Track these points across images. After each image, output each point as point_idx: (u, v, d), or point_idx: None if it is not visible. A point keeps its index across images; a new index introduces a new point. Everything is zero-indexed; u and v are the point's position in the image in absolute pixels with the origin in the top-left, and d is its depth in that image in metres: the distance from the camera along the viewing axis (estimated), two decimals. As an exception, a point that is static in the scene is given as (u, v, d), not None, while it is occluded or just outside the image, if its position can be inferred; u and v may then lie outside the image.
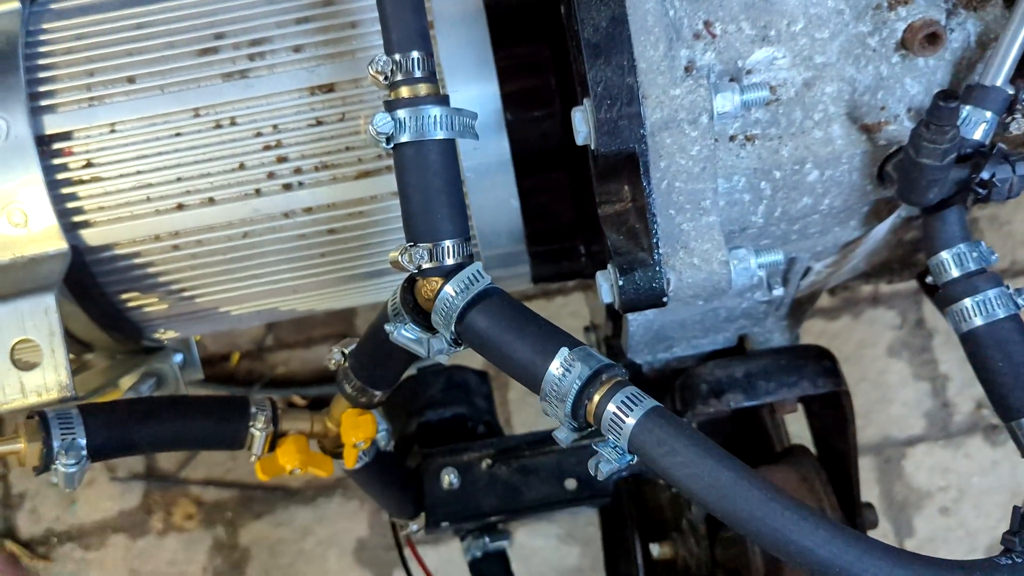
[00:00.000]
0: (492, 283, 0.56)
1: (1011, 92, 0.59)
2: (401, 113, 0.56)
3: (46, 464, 0.60)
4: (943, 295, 0.62)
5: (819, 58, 0.59)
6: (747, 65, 0.59)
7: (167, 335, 0.80)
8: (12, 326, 0.64)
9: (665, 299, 0.59)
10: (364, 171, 0.68)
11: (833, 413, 0.77)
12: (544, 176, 0.73)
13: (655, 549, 0.83)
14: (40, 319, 0.64)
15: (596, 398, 0.50)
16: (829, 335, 1.43)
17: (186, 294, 0.73)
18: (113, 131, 0.67)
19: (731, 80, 0.59)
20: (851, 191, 0.63)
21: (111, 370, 0.79)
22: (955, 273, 0.61)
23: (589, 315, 0.96)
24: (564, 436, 0.53)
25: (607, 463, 0.50)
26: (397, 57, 0.56)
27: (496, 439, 0.85)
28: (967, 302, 0.61)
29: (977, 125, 0.59)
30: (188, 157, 0.67)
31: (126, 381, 0.80)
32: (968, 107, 0.59)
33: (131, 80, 0.67)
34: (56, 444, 0.60)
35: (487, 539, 0.89)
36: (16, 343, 0.64)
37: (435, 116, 0.56)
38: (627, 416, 0.49)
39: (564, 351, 0.51)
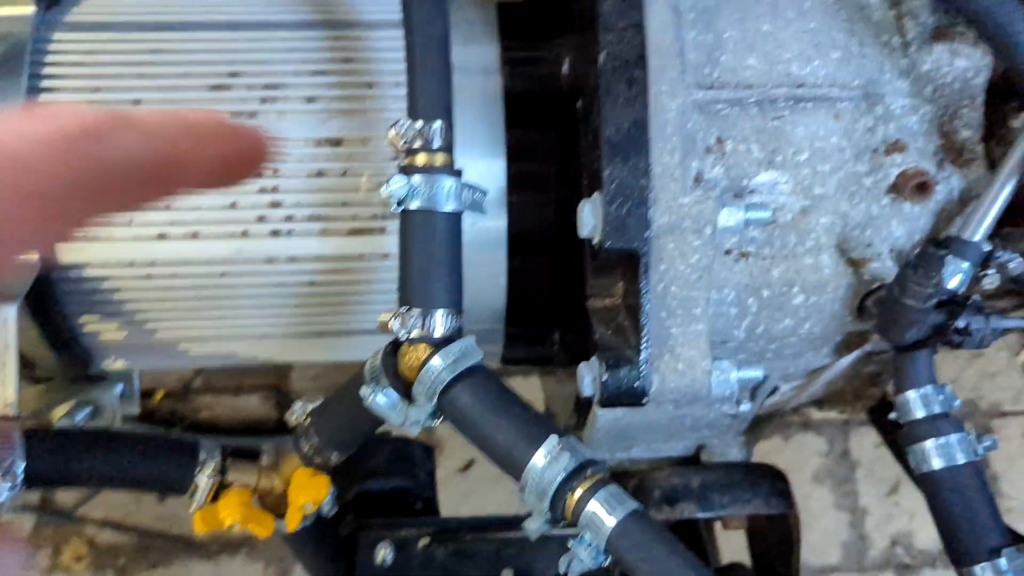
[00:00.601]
0: (480, 361, 0.55)
1: (988, 248, 0.63)
2: (416, 179, 0.56)
3: (-23, 486, 0.56)
4: (907, 433, 0.64)
5: (818, 189, 0.62)
6: (751, 185, 0.61)
7: (115, 365, 0.77)
8: (-37, 334, 0.60)
9: (646, 399, 0.59)
10: (357, 228, 0.68)
11: (779, 536, 0.78)
12: (528, 259, 0.73)
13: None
14: (-6, 330, 0.61)
15: (578, 492, 0.49)
16: (760, 454, 1.44)
17: (148, 326, 0.70)
18: (106, 149, 0.65)
19: (735, 196, 0.61)
20: (831, 319, 0.65)
21: (49, 393, 0.75)
22: (920, 414, 0.63)
23: (544, 402, 0.95)
24: (535, 527, 0.52)
25: (579, 563, 0.49)
26: (420, 124, 0.56)
27: (437, 519, 0.83)
28: (929, 444, 0.62)
29: (954, 274, 0.62)
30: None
31: (61, 408, 0.76)
32: (948, 257, 0.62)
33: (136, 103, 0.65)
34: (-8, 467, 0.56)
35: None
36: (-36, 351, 0.60)
37: (448, 188, 0.56)
38: (608, 515, 0.48)
39: (553, 439, 0.50)
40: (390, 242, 0.68)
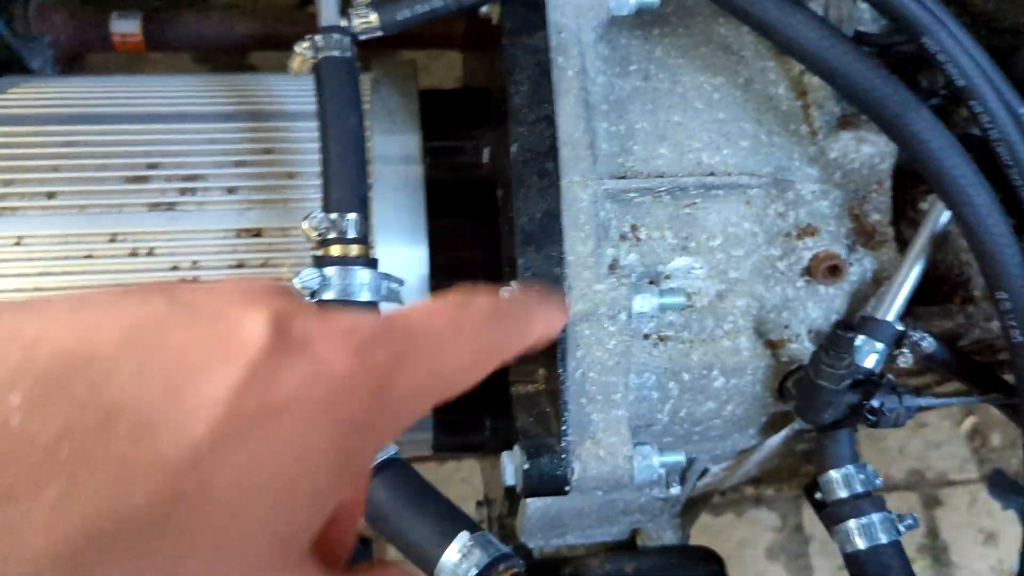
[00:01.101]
0: (396, 453, 0.54)
1: (900, 328, 0.64)
2: (329, 271, 0.56)
3: None
4: (830, 513, 0.64)
5: (733, 273, 0.63)
6: (667, 270, 0.62)
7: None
8: None
9: (568, 488, 0.59)
10: (278, 319, 0.67)
11: (715, 619, 0.76)
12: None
13: None
14: None
15: (490, 589, 0.48)
16: (712, 531, 1.44)
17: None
18: (19, 244, 0.64)
19: (651, 282, 0.61)
20: (752, 401, 0.65)
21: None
22: (842, 493, 0.63)
23: (483, 487, 0.94)
24: (451, 625, 0.51)
25: (493, 660, 0.48)
26: (334, 216, 0.57)
27: None
28: (852, 524, 0.62)
29: (868, 354, 0.63)
30: (95, 280, 0.65)
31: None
32: (862, 337, 0.63)
33: (50, 196, 0.65)
34: None
35: None
36: None
37: (363, 279, 0.56)
38: (521, 613, 0.47)
39: (464, 535, 0.49)
40: (312, 331, 0.67)
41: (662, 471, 0.63)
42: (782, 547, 1.48)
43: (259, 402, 0.25)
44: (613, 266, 0.61)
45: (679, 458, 0.62)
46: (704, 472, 0.73)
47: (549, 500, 0.67)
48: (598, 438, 0.60)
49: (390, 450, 0.54)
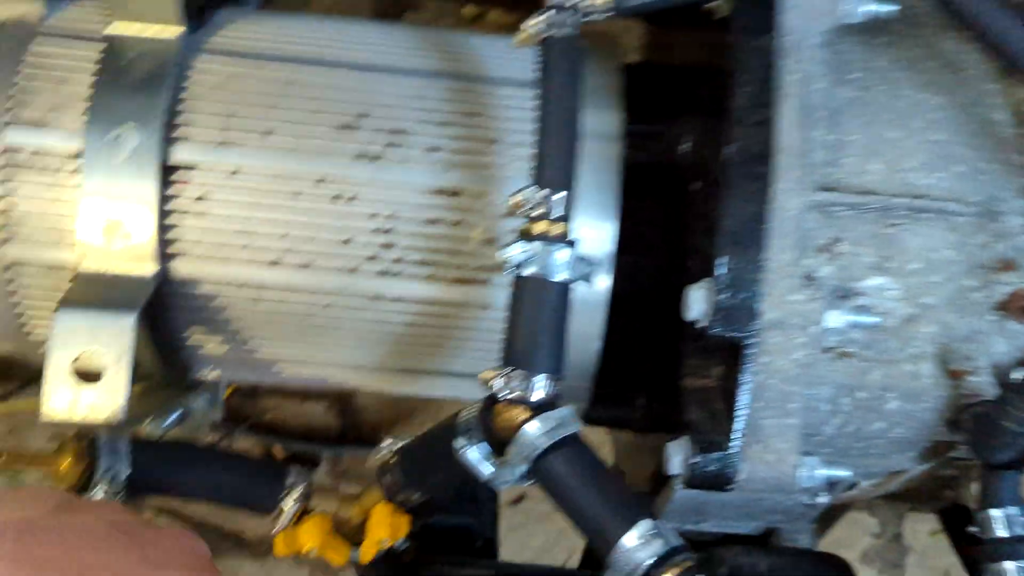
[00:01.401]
0: (578, 431, 0.56)
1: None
2: (534, 246, 0.57)
3: (83, 487, 0.59)
4: (987, 551, 0.63)
5: (927, 299, 0.62)
6: (860, 287, 0.62)
7: (210, 375, 0.80)
8: (84, 336, 0.63)
9: (731, 487, 0.60)
10: (461, 278, 0.70)
11: (835, 628, 0.77)
12: (624, 324, 0.74)
13: None
14: (114, 337, 0.63)
15: (664, 579, 0.50)
16: (810, 526, 1.43)
17: (249, 345, 0.73)
18: (235, 174, 0.68)
19: (842, 297, 0.61)
20: (922, 427, 0.65)
21: (145, 396, 0.78)
22: (1002, 533, 0.63)
23: (612, 458, 0.96)
24: (614, 603, 0.53)
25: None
26: (544, 193, 0.58)
27: (499, 562, 0.84)
28: (1009, 565, 0.62)
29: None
30: (300, 219, 0.68)
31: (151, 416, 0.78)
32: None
33: (268, 133, 0.68)
34: (99, 472, 0.58)
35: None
36: (83, 354, 0.63)
37: (563, 258, 0.58)
38: (692, 607, 0.49)
39: (647, 522, 0.51)
40: (492, 294, 0.70)
41: (823, 483, 0.63)
42: (878, 553, 1.47)
43: None
44: (808, 277, 0.60)
45: (845, 474, 0.62)
46: (852, 486, 0.73)
47: (704, 492, 0.69)
48: (768, 443, 0.61)
49: (573, 426, 0.56)
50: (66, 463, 0.58)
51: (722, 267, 0.57)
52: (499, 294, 0.70)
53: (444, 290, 0.70)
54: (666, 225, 0.73)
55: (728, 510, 0.74)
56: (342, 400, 1.42)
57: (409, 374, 0.76)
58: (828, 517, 0.81)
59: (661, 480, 0.74)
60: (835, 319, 0.58)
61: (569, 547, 1.41)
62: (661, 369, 0.77)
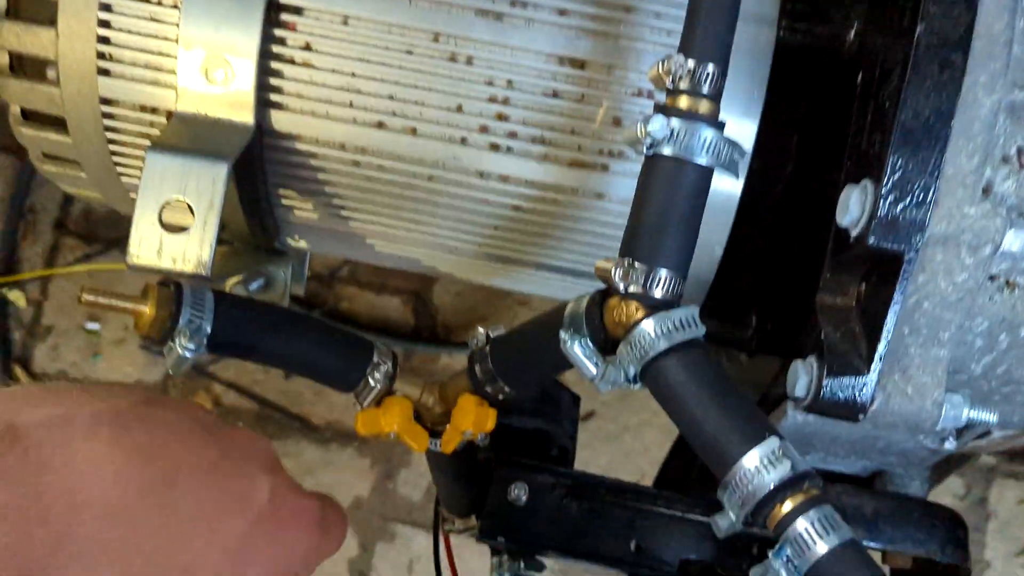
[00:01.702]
0: (703, 336, 0.50)
1: None
2: (675, 123, 0.50)
3: (163, 338, 0.55)
4: None
5: (1119, 231, 0.54)
6: (1041, 210, 0.54)
7: (298, 243, 0.76)
8: (174, 181, 0.59)
9: (862, 416, 0.54)
10: (578, 160, 0.63)
11: (940, 585, 0.71)
12: (748, 234, 0.67)
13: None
14: (205, 186, 0.59)
15: (788, 506, 0.44)
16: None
17: (343, 213, 0.68)
18: (346, 23, 0.62)
19: (1020, 216, 0.53)
20: (1085, 378, 0.57)
21: (232, 257, 0.75)
22: None
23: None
24: (726, 525, 0.48)
25: (774, 577, 0.45)
26: (692, 63, 0.51)
27: (577, 472, 0.80)
28: None
29: None
30: (409, 78, 0.62)
31: (237, 276, 0.75)
32: None
33: (384, -13, 0.62)
34: (182, 322, 0.55)
35: (521, 565, 0.84)
36: (172, 200, 0.59)
37: (708, 139, 0.51)
38: (819, 540, 0.43)
39: (773, 442, 0.45)
40: (610, 182, 0.64)
41: (964, 425, 0.57)
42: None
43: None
44: (986, 190, 0.53)
45: (991, 418, 0.55)
46: (985, 434, 0.66)
47: (814, 419, 0.62)
48: (910, 374, 0.54)
49: (695, 330, 0.50)
50: (150, 309, 0.54)
51: (893, 168, 0.50)
52: (617, 183, 0.63)
53: (558, 172, 0.63)
54: (812, 124, 0.65)
55: (838, 445, 0.68)
56: (418, 297, 1.39)
57: (506, 263, 0.70)
58: (942, 468, 0.74)
59: (769, 404, 0.68)
60: (1015, 241, 0.50)
61: (636, 470, 1.38)
62: (779, 287, 0.70)
